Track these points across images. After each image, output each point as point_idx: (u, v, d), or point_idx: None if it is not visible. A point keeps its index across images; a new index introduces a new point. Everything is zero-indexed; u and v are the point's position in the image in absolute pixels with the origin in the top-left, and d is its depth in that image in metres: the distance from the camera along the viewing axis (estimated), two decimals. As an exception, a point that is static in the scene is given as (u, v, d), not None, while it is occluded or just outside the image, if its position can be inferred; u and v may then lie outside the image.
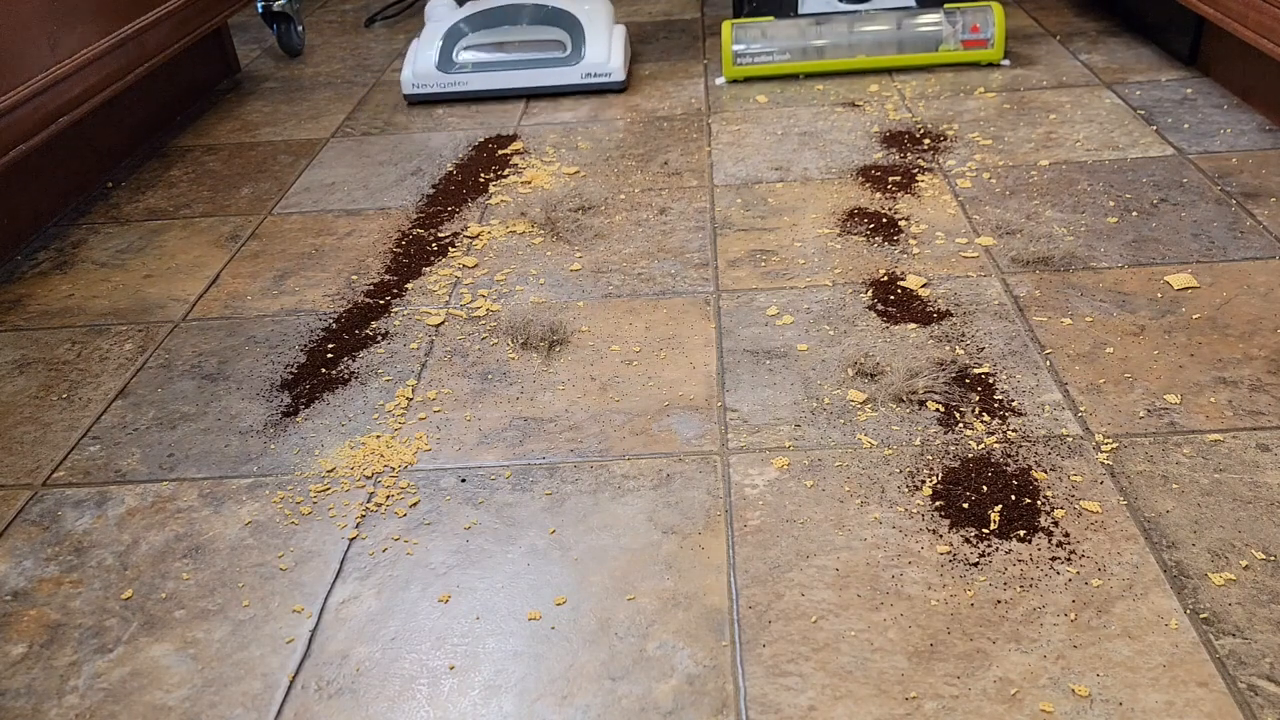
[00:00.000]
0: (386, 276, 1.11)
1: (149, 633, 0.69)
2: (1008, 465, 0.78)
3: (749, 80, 1.58)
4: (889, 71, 1.59)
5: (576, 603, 0.69)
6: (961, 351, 0.91)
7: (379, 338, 1.01)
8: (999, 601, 0.67)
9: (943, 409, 0.84)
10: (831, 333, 0.95)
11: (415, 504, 0.79)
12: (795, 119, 1.45)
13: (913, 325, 0.96)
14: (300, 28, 1.87)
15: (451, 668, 0.65)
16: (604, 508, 0.77)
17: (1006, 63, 1.55)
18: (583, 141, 1.42)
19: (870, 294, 1.01)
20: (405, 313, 1.04)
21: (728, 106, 1.51)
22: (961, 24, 1.53)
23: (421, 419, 0.88)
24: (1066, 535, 0.71)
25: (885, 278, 1.03)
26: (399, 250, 1.17)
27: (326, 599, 0.71)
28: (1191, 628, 0.64)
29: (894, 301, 0.99)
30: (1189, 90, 1.41)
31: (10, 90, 1.13)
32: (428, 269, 1.12)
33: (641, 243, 1.14)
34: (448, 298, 1.07)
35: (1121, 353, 0.89)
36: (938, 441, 0.81)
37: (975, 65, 1.57)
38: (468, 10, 1.63)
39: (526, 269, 1.11)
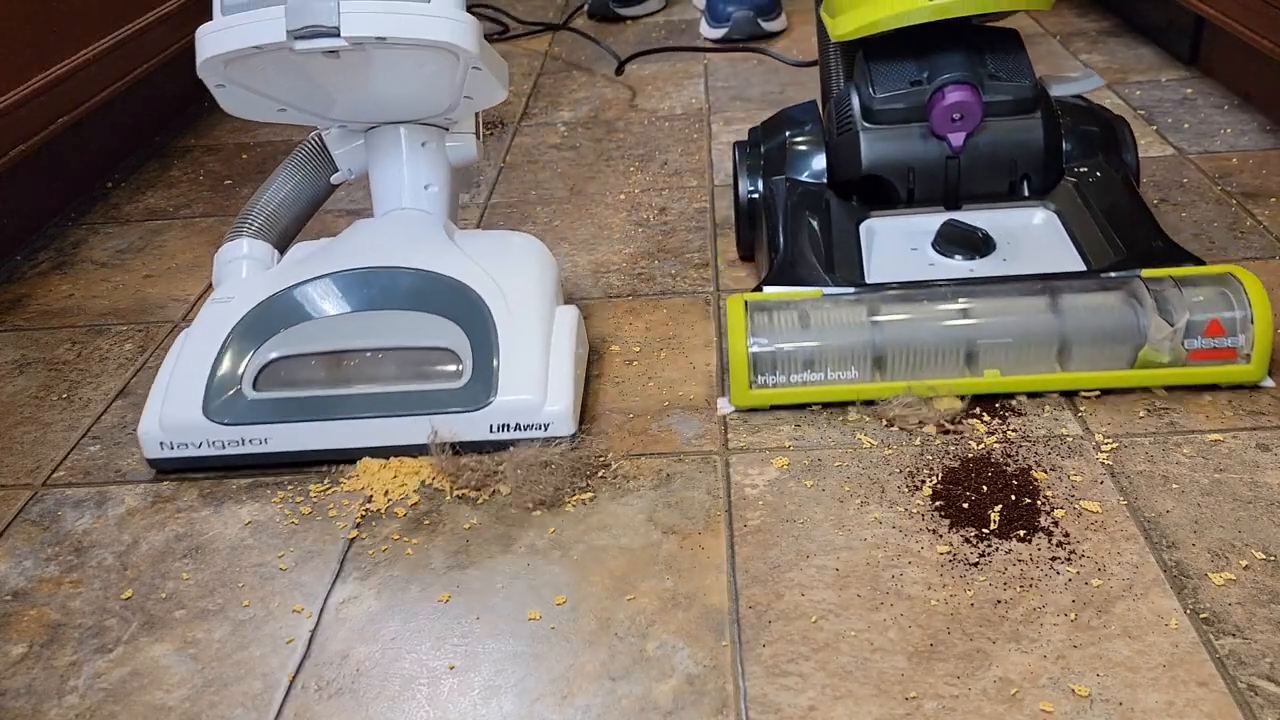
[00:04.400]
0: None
1: (149, 633, 0.69)
2: (1008, 465, 0.78)
3: (775, 409, 0.85)
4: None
5: (576, 603, 0.69)
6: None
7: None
8: (999, 601, 0.67)
9: (943, 409, 0.83)
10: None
11: (415, 504, 0.79)
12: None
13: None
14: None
15: (451, 668, 0.65)
16: (604, 508, 0.77)
17: (1271, 383, 0.84)
18: (583, 141, 1.42)
19: (870, 294, 1.01)
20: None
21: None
22: (1185, 318, 0.81)
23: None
24: (1067, 535, 0.71)
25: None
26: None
27: (326, 599, 0.71)
28: (1191, 628, 0.64)
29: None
30: (1189, 90, 1.41)
31: (10, 90, 1.13)
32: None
33: (641, 243, 1.14)
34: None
35: (1121, 353, 0.89)
36: (937, 441, 0.81)
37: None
38: (282, 277, 0.88)
39: (526, 269, 1.11)
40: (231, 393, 0.82)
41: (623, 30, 1.86)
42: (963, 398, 0.83)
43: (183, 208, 1.32)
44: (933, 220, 0.93)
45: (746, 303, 0.85)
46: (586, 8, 1.89)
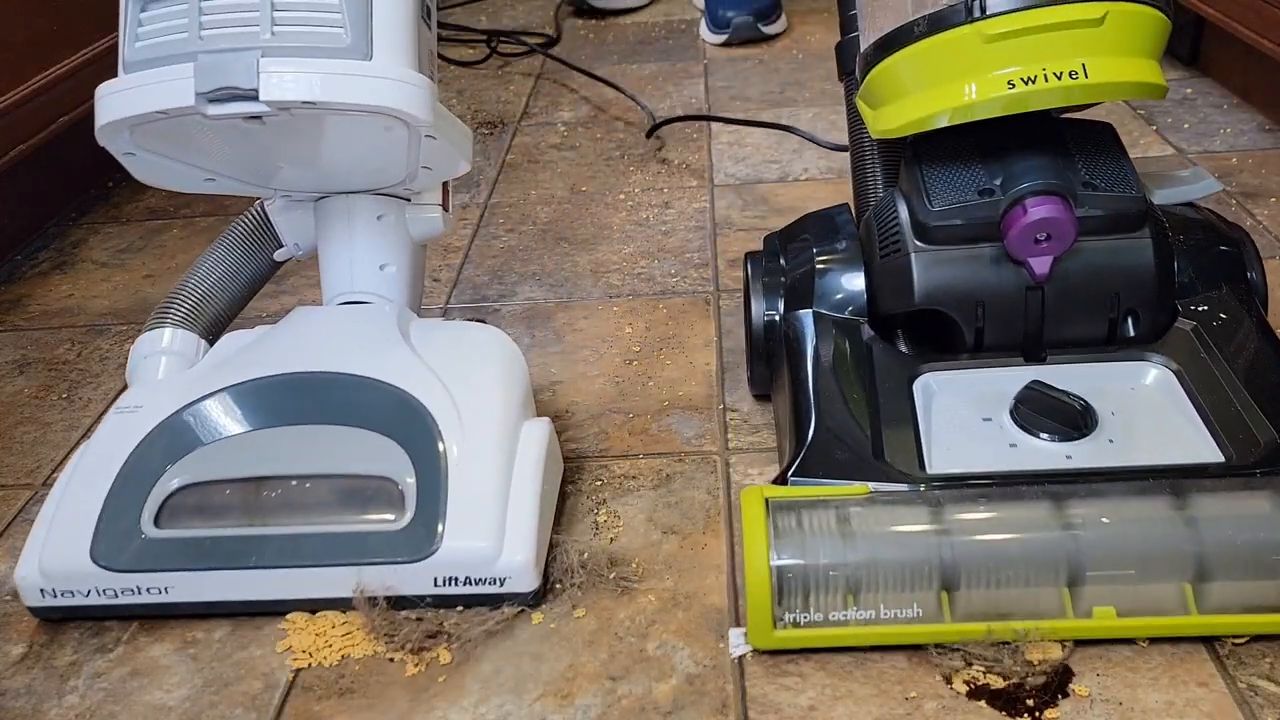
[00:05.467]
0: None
1: (149, 632, 0.69)
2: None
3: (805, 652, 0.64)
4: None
5: (576, 602, 0.69)
6: (961, 351, 0.91)
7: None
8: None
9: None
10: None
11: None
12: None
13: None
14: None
15: (451, 667, 0.65)
16: (604, 508, 0.77)
17: None
18: (583, 141, 1.42)
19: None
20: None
21: None
22: None
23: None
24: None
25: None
26: (399, 250, 1.16)
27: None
28: (1191, 628, 0.64)
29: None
30: (1189, 90, 1.41)
31: (10, 90, 1.13)
32: (428, 268, 1.12)
33: (641, 243, 1.14)
34: (447, 296, 1.07)
35: (1121, 353, 0.89)
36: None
37: None
38: (203, 382, 0.73)
39: (527, 268, 1.11)
40: (126, 531, 0.67)
41: (622, 30, 1.86)
42: (1064, 643, 0.62)
43: (183, 207, 1.32)
44: (1010, 377, 0.70)
45: (768, 501, 0.63)
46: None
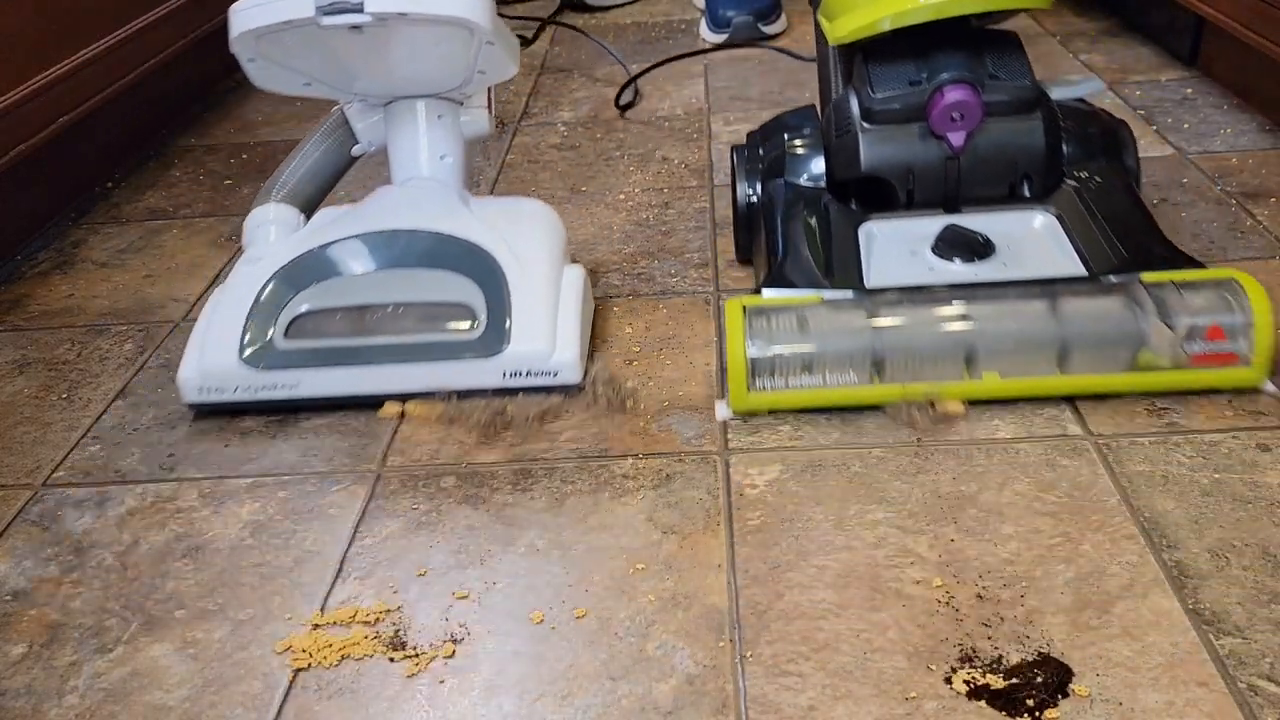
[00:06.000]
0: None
1: (149, 633, 0.69)
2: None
3: (775, 413, 0.85)
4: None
5: (576, 602, 0.69)
6: (961, 351, 0.91)
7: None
8: (999, 601, 0.67)
9: (943, 409, 0.84)
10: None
11: (415, 504, 0.79)
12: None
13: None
14: (300, 28, 1.86)
15: (451, 667, 0.65)
16: (604, 508, 0.77)
17: (1273, 388, 0.83)
18: (583, 141, 1.42)
19: (870, 294, 1.01)
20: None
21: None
22: (1187, 322, 0.81)
23: (421, 418, 0.88)
24: (1066, 535, 0.71)
25: (885, 278, 1.03)
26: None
27: (326, 599, 0.71)
28: (1191, 628, 0.64)
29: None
30: (1189, 90, 1.41)
31: (10, 90, 1.13)
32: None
33: (641, 243, 1.14)
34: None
35: (1121, 353, 0.89)
36: (939, 446, 0.81)
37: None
38: (310, 238, 0.93)
39: (526, 269, 1.11)
40: (264, 342, 0.88)
41: (623, 30, 1.86)
42: (964, 402, 0.83)
43: (183, 208, 1.32)
44: (933, 224, 0.91)
45: (745, 307, 0.84)
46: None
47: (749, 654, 0.64)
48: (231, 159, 1.45)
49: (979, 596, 0.67)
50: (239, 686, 0.65)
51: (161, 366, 0.99)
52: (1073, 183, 0.93)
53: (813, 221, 0.93)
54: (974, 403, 0.83)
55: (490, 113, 1.00)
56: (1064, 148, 0.94)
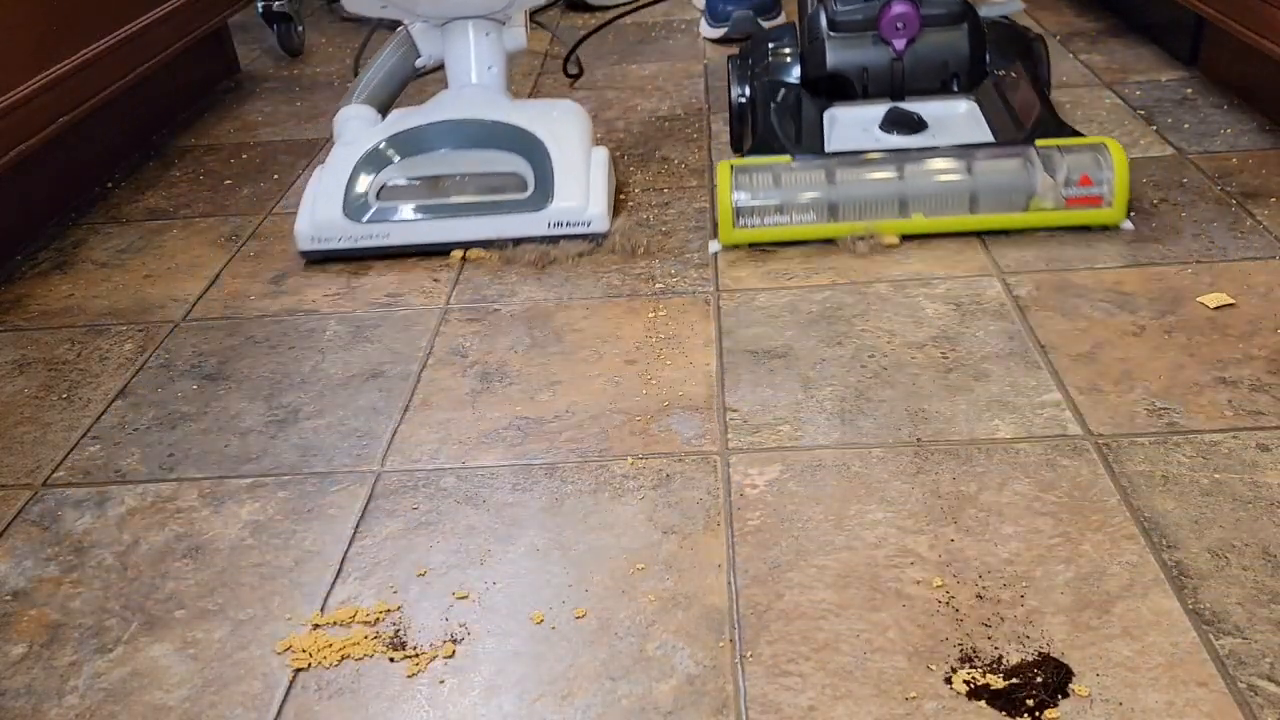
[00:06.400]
0: (386, 275, 1.11)
1: (149, 633, 0.69)
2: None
3: (755, 247, 1.09)
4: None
5: (576, 602, 0.69)
6: (963, 351, 0.91)
7: (378, 335, 1.01)
8: (999, 601, 0.67)
9: (943, 409, 0.84)
10: (832, 334, 0.95)
11: (415, 504, 0.79)
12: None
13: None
14: (300, 28, 1.87)
15: (451, 667, 0.65)
16: (604, 508, 0.77)
17: (1129, 225, 1.07)
18: (583, 141, 1.42)
19: (869, 290, 1.01)
20: (404, 312, 1.04)
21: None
22: (1065, 172, 1.05)
23: (421, 418, 0.88)
24: (1066, 535, 0.71)
25: (887, 277, 1.03)
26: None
27: (327, 599, 0.71)
28: (1191, 628, 0.64)
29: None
30: (1189, 90, 1.41)
31: (10, 90, 1.13)
32: (428, 268, 1.12)
33: (641, 242, 1.14)
34: (448, 296, 1.07)
35: (1121, 353, 0.89)
36: (939, 449, 0.81)
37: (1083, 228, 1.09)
38: (390, 128, 1.18)
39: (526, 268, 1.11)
40: (362, 201, 1.12)
41: (623, 30, 1.86)
42: (899, 237, 1.08)
43: (183, 208, 1.32)
44: (881, 109, 1.17)
45: (732, 166, 1.09)
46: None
47: (749, 654, 0.64)
48: (231, 159, 1.45)
49: (979, 596, 0.67)
50: (239, 686, 0.65)
51: (161, 366, 0.99)
52: (992, 80, 1.19)
53: (789, 108, 1.19)
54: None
55: (526, 31, 1.21)
56: (986, 54, 1.20)
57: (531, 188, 1.12)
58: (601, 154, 1.17)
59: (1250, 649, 0.62)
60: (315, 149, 1.46)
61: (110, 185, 1.39)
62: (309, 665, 0.66)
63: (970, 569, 0.69)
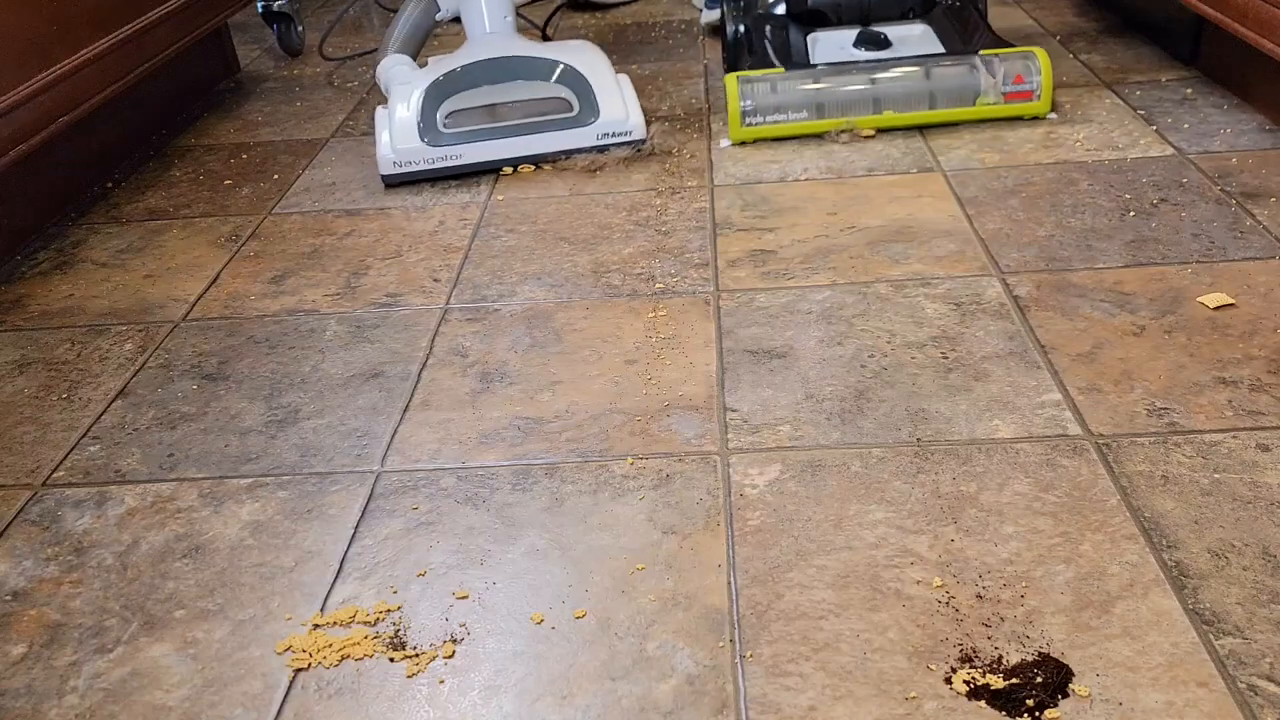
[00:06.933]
0: (386, 275, 1.11)
1: (149, 633, 0.69)
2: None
3: (758, 143, 1.35)
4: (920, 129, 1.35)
5: (576, 602, 0.69)
6: (963, 351, 0.91)
7: (378, 335, 1.01)
8: (999, 601, 0.67)
9: (943, 409, 0.84)
10: (832, 333, 0.95)
11: (415, 504, 0.79)
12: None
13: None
14: (300, 28, 1.87)
15: (451, 667, 0.65)
16: (604, 508, 0.77)
17: (1054, 116, 1.35)
18: (583, 141, 1.42)
19: (869, 290, 1.01)
20: (404, 313, 1.04)
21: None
22: (1002, 74, 1.32)
23: (421, 418, 0.88)
24: (1066, 535, 0.71)
25: (887, 277, 1.03)
26: (399, 249, 1.17)
27: (326, 599, 0.71)
28: (1191, 628, 0.64)
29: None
30: (1189, 90, 1.41)
31: (10, 90, 1.13)
32: (428, 269, 1.12)
33: (641, 243, 1.14)
34: (448, 296, 1.07)
35: (1121, 353, 0.89)
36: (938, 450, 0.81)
37: (1018, 119, 1.36)
38: (441, 69, 1.34)
39: (527, 268, 1.11)
40: (435, 129, 1.31)
41: (622, 30, 1.86)
42: (874, 130, 1.35)
43: (183, 208, 1.32)
44: (853, 33, 1.41)
45: (738, 77, 1.35)
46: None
47: (749, 654, 0.64)
48: (231, 159, 1.45)
49: (979, 596, 0.67)
50: (239, 686, 0.65)
51: (161, 366, 0.99)
52: (942, 8, 1.45)
53: (778, 34, 1.45)
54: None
55: None
56: None
57: (577, 107, 1.32)
58: (627, 79, 1.39)
59: (1250, 649, 0.62)
60: (315, 149, 1.46)
61: (110, 185, 1.39)
62: (309, 665, 0.66)
63: (970, 569, 0.69)
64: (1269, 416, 0.81)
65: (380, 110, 1.34)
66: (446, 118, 1.31)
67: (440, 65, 1.35)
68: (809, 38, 1.42)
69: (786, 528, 0.74)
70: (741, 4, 1.52)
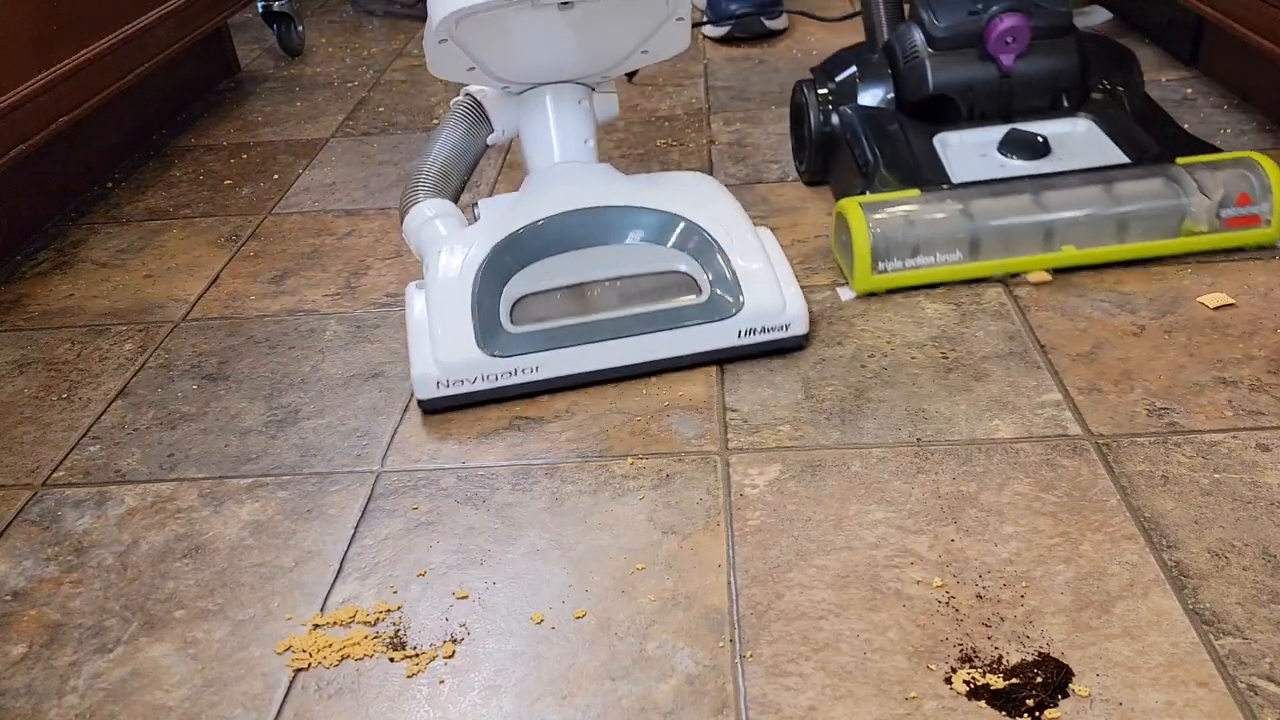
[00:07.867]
0: (386, 275, 1.11)
1: (149, 633, 0.69)
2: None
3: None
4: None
5: (576, 602, 0.69)
6: (963, 351, 0.91)
7: (378, 335, 1.01)
8: (999, 601, 0.67)
9: (943, 409, 0.84)
10: (831, 333, 0.95)
11: (415, 504, 0.79)
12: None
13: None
14: (300, 28, 1.87)
15: (451, 667, 0.65)
16: (604, 508, 0.77)
17: None
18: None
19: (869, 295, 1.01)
20: (405, 312, 1.04)
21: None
22: (1221, 191, 0.98)
23: (421, 418, 0.88)
24: (1066, 535, 0.71)
25: (885, 278, 1.03)
26: (399, 249, 1.17)
27: (326, 599, 0.71)
28: (1191, 628, 0.64)
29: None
30: (1189, 90, 1.41)
31: (10, 90, 1.13)
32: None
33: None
34: (448, 298, 1.06)
35: (1121, 353, 0.89)
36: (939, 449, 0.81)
37: None
38: (501, 225, 0.91)
39: (526, 269, 1.11)
40: (495, 330, 0.87)
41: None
42: (1049, 271, 0.99)
43: (183, 208, 1.32)
44: (993, 132, 1.08)
45: (861, 203, 0.98)
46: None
47: (749, 654, 0.64)
48: (231, 159, 1.45)
49: (979, 596, 0.67)
50: (239, 686, 0.65)
51: (161, 366, 0.99)
52: (1099, 94, 1.12)
53: (894, 136, 1.08)
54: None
55: (617, 97, 1.02)
56: (1089, 65, 1.11)
57: (706, 288, 0.89)
58: (770, 235, 0.95)
59: (1250, 649, 0.62)
60: (315, 149, 1.46)
61: (110, 185, 1.39)
62: (309, 665, 0.66)
63: (970, 569, 0.69)
64: (1269, 416, 0.81)
65: (413, 292, 0.92)
66: (514, 306, 0.89)
67: (498, 216, 0.92)
68: (935, 139, 1.08)
69: (786, 528, 0.74)
70: (829, 89, 1.16)
